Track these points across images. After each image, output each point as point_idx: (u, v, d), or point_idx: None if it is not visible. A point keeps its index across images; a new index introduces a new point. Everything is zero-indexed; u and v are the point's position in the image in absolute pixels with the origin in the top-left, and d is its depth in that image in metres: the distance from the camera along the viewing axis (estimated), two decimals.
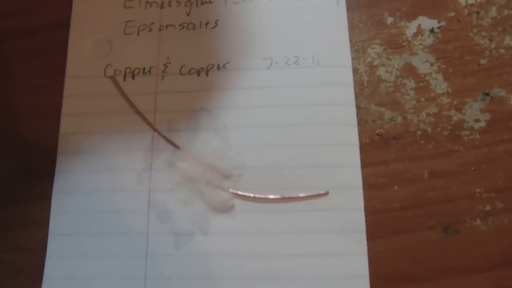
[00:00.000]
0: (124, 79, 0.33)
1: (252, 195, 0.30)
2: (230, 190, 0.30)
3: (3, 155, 0.32)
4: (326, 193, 0.30)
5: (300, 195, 0.30)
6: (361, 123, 0.32)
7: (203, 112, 0.32)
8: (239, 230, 0.30)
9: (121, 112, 0.32)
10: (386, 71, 0.33)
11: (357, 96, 0.32)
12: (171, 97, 0.32)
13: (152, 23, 0.34)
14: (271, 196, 0.30)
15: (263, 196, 0.30)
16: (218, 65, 0.33)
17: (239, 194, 0.30)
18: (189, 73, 0.33)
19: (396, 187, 0.31)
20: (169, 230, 0.30)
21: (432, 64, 0.33)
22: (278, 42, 0.33)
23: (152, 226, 0.30)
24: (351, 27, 0.34)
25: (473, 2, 0.35)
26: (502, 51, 0.33)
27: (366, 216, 0.30)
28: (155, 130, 0.32)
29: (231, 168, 0.31)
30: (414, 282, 0.29)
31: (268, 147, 0.31)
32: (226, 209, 0.30)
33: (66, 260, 0.30)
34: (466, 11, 0.34)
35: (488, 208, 0.30)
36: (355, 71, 0.33)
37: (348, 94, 0.32)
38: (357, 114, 0.32)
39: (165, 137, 0.31)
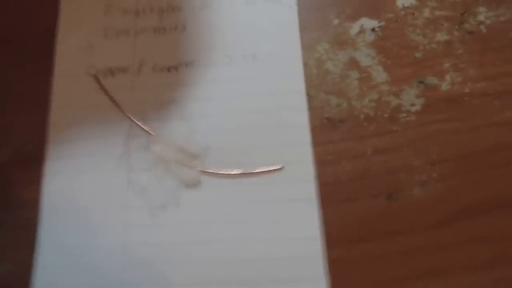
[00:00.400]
0: (105, 77, 0.37)
1: (216, 171, 0.35)
2: (198, 168, 0.35)
3: (2, 145, 0.36)
4: (281, 168, 0.34)
5: (258, 170, 0.34)
6: (311, 109, 0.36)
7: (173, 104, 0.37)
8: (206, 202, 0.34)
9: (103, 105, 0.37)
10: (333, 65, 0.38)
11: (307, 86, 0.37)
12: (146, 91, 0.37)
13: (129, 29, 0.39)
14: (233, 172, 0.34)
15: (226, 172, 0.35)
16: (186, 63, 0.38)
17: (205, 171, 0.35)
18: (161, 70, 0.38)
19: (343, 163, 0.35)
20: (146, 204, 0.34)
21: (373, 58, 0.38)
22: (237, 42, 0.38)
23: (131, 200, 0.34)
24: (302, 28, 0.39)
25: (409, 5, 0.40)
26: (434, 45, 0.38)
27: (318, 187, 0.34)
28: (131, 119, 0.36)
29: (197, 150, 0.35)
30: (361, 242, 0.33)
31: (230, 130, 0.36)
32: (194, 184, 0.34)
33: (57, 235, 0.34)
34: (403, 12, 0.39)
35: (424, 178, 0.35)
36: (305, 65, 0.38)
37: (299, 84, 0.37)
38: (308, 101, 0.36)
39: (140, 126, 0.36)
